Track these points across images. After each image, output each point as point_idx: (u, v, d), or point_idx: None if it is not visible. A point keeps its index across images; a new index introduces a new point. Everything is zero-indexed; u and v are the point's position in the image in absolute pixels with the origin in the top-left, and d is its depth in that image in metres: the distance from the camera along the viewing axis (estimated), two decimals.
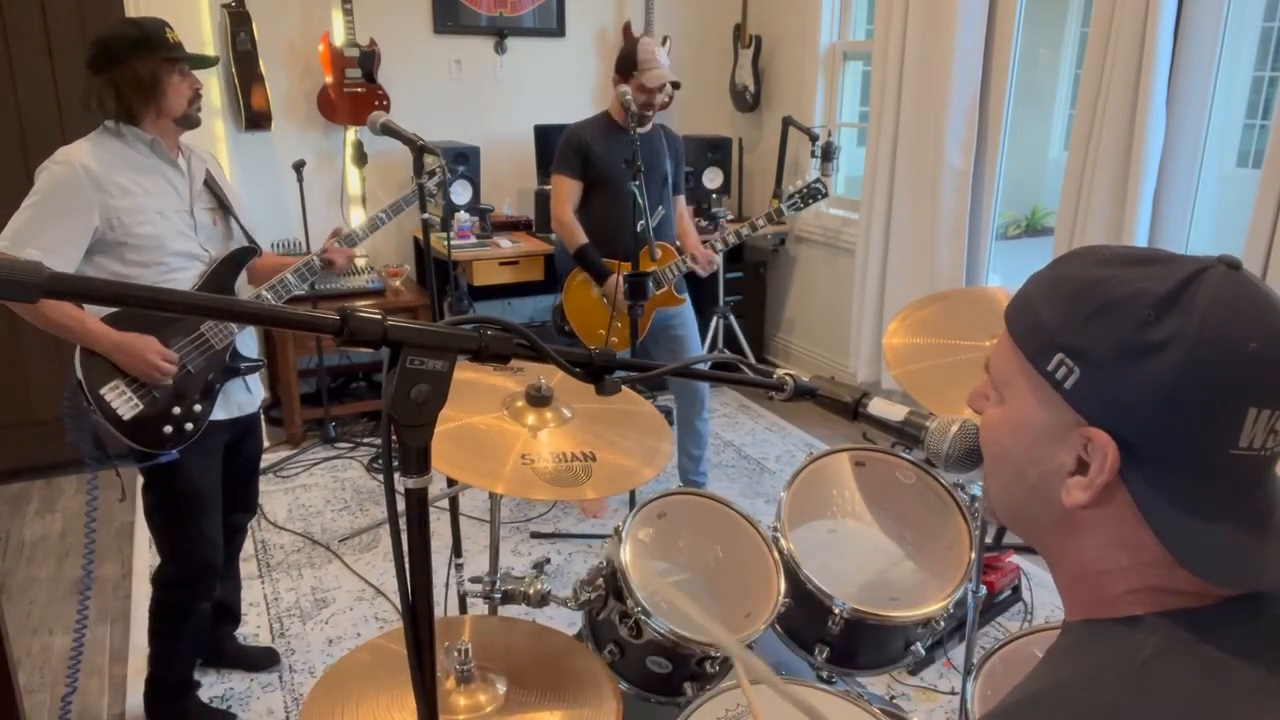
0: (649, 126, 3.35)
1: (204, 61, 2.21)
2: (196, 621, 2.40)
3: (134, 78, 2.08)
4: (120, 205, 2.08)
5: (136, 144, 2.14)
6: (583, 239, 3.34)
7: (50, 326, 2.04)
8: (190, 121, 2.19)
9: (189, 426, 2.19)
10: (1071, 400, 0.67)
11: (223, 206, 2.32)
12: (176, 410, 2.17)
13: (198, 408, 2.21)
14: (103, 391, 2.09)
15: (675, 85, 3.33)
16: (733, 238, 3.45)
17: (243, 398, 2.36)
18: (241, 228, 2.36)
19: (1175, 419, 0.63)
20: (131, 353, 2.08)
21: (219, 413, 2.26)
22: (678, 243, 3.50)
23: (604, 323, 3.39)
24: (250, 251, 2.35)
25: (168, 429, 2.16)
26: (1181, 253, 0.69)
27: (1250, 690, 0.64)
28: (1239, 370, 0.63)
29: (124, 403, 2.11)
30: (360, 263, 4.36)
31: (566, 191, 3.37)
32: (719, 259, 3.46)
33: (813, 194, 3.39)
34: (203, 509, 2.30)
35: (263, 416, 4.16)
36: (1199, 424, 0.63)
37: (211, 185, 2.30)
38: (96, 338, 2.06)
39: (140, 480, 2.27)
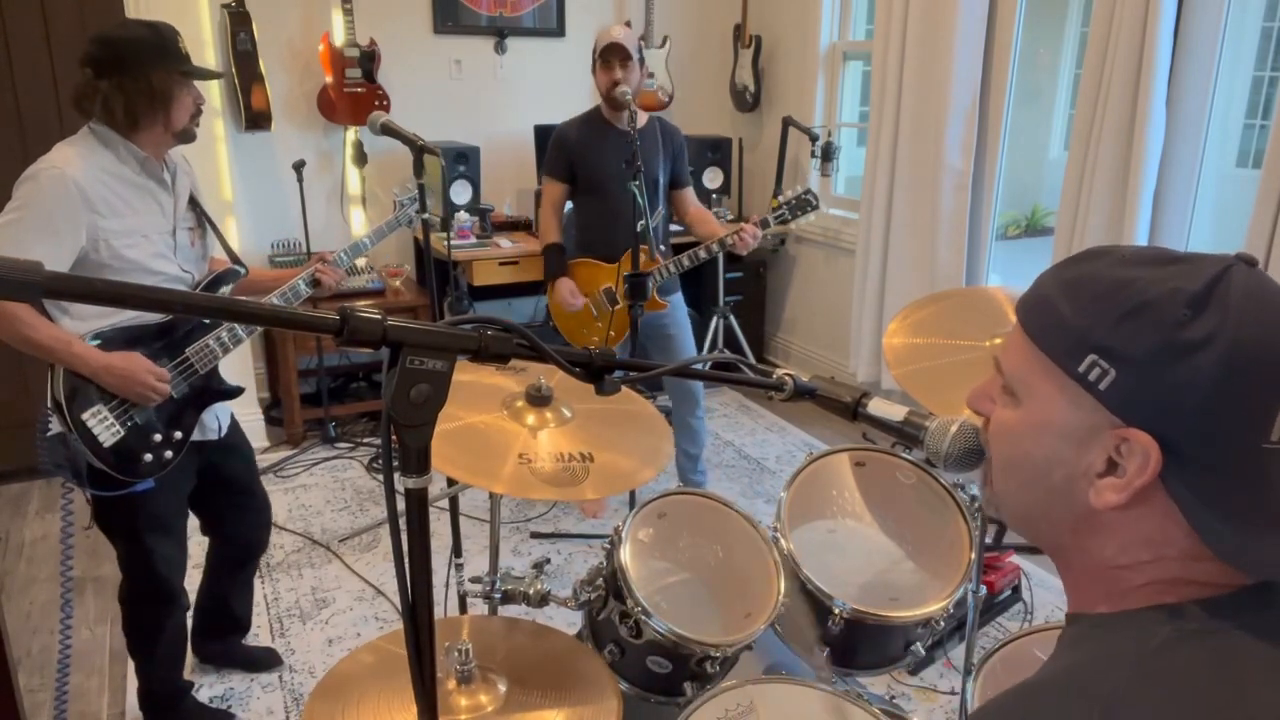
0: (643, 121, 3.27)
1: (210, 75, 2.13)
2: (171, 634, 2.32)
3: (147, 88, 1.97)
4: (109, 227, 1.98)
5: (128, 159, 2.03)
6: (551, 239, 3.35)
7: (31, 348, 1.93)
8: (188, 136, 2.10)
9: (168, 454, 2.10)
10: (1106, 401, 0.67)
11: (201, 225, 2.25)
12: (158, 437, 2.07)
13: (178, 434, 2.11)
14: (84, 417, 1.98)
15: (641, 61, 3.26)
16: (770, 216, 3.30)
17: (209, 420, 2.25)
18: (226, 248, 2.30)
19: (1215, 416, 0.64)
20: (123, 374, 1.97)
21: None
22: (661, 247, 3.45)
23: (589, 323, 3.39)
24: (235, 274, 2.28)
25: (148, 457, 2.06)
26: (1195, 252, 0.69)
27: (1261, 675, 0.64)
28: (1274, 365, 0.63)
29: (105, 429, 1.99)
30: (360, 263, 4.36)
31: (547, 194, 3.40)
32: (760, 233, 3.29)
33: (803, 205, 3.27)
34: (164, 529, 2.20)
35: (264, 421, 4.21)
36: (1237, 420, 0.64)
37: (195, 203, 2.23)
38: (84, 360, 1.95)
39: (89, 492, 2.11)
